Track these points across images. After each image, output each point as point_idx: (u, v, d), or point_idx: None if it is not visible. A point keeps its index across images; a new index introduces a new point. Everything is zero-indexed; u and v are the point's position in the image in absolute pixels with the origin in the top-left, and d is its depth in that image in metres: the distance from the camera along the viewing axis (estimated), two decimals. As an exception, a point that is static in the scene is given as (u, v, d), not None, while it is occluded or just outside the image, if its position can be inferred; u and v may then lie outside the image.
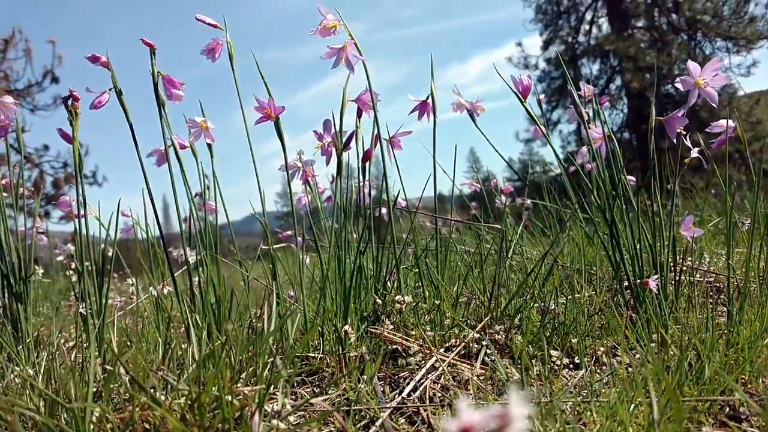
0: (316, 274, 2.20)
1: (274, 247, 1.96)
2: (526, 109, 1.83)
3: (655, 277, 1.70)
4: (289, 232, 3.50)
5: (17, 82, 13.98)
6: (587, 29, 21.01)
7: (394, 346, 1.65)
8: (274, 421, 1.00)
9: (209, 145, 2.11)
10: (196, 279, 1.86)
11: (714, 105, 1.71)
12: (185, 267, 2.01)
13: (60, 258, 3.78)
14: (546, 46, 21.05)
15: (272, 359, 1.11)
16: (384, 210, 2.23)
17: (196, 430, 0.98)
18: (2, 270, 2.18)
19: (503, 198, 3.20)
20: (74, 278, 3.33)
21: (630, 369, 1.41)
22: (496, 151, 2.44)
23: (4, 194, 2.30)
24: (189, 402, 1.05)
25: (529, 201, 4.73)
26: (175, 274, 1.95)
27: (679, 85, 1.73)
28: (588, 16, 21.01)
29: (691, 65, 1.72)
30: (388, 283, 1.92)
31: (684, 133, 1.78)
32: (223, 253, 2.15)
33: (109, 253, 1.98)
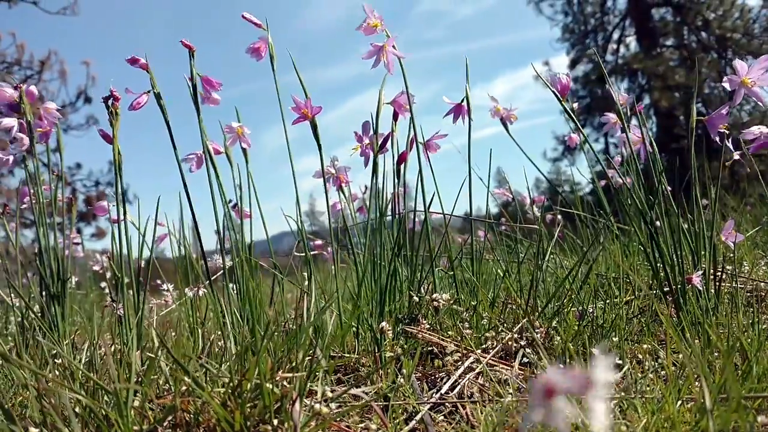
0: (350, 286, 2.20)
1: (310, 253, 1.97)
2: (565, 108, 1.81)
3: (700, 272, 1.66)
4: (320, 241, 3.51)
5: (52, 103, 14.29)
6: (615, 48, 20.93)
7: (431, 347, 1.63)
8: (317, 405, 0.99)
9: (244, 150, 2.13)
10: (232, 285, 1.87)
11: (761, 104, 1.68)
12: (220, 272, 2.02)
13: (95, 267, 3.82)
14: (573, 65, 20.99)
15: (312, 350, 1.10)
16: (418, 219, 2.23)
17: (238, 414, 0.98)
18: (41, 272, 2.22)
19: (535, 208, 3.17)
20: (107, 284, 3.38)
21: (675, 366, 1.38)
22: (527, 157, 2.42)
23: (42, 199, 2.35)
24: (230, 389, 1.05)
25: (560, 216, 4.69)
26: (212, 278, 1.96)
27: (726, 84, 1.71)
28: (615, 35, 20.95)
29: (738, 64, 1.70)
30: (423, 287, 1.91)
31: (726, 132, 1.75)
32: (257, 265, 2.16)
33: (146, 257, 2.00)
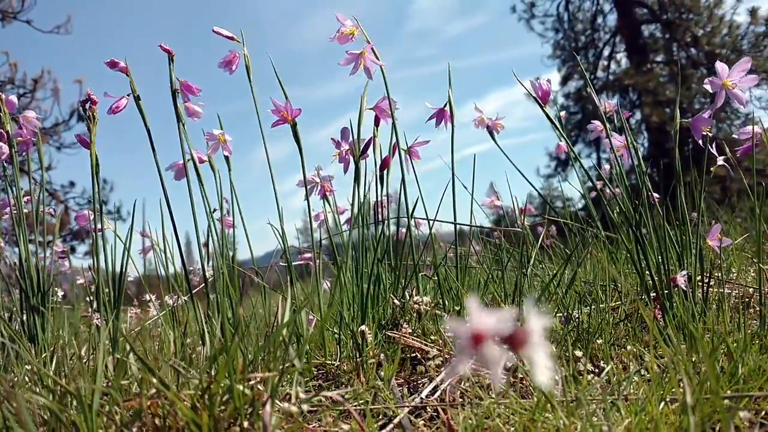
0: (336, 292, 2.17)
1: (294, 264, 1.94)
2: (546, 115, 1.80)
3: (684, 273, 1.64)
4: (308, 254, 3.47)
5: (45, 121, 14.25)
6: (605, 65, 21.05)
7: (414, 354, 1.61)
8: (285, 404, 0.96)
9: (227, 158, 2.11)
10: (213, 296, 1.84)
11: (742, 106, 1.67)
12: (201, 286, 1.99)
13: (80, 281, 3.78)
14: (564, 81, 21.10)
15: (285, 349, 1.08)
16: (402, 227, 2.20)
17: (205, 416, 0.95)
18: (21, 285, 2.18)
19: (524, 218, 3.15)
20: (88, 293, 3.33)
21: (660, 368, 1.35)
22: (517, 170, 2.41)
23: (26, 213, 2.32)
24: (200, 392, 1.02)
25: (552, 227, 4.67)
26: (194, 290, 1.93)
27: (708, 87, 1.70)
28: (606, 52, 21.09)
29: (719, 66, 1.69)
30: (407, 292, 1.89)
31: (710, 135, 1.74)
32: (244, 286, 2.14)
33: (127, 273, 1.97)
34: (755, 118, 2.02)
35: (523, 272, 1.91)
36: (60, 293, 3.40)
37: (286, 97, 1.76)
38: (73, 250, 14.57)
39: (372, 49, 1.77)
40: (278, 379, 1.01)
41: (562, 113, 3.15)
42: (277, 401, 1.09)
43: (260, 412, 1.02)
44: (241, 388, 1.01)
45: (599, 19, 21.07)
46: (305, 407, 0.99)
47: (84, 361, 1.51)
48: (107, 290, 1.89)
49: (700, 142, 1.75)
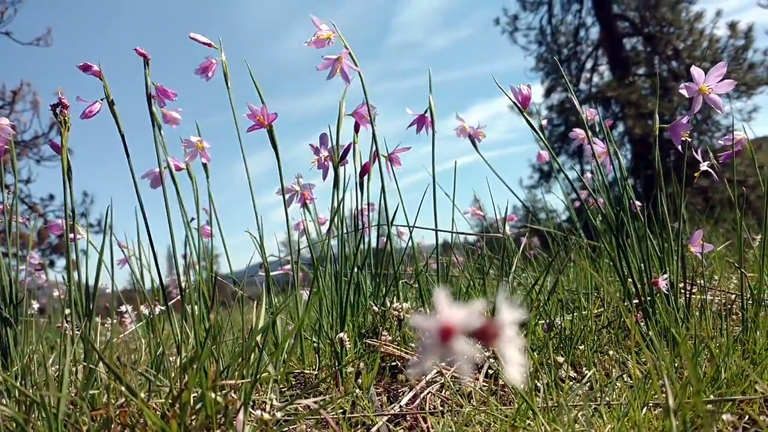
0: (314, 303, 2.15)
1: (273, 274, 1.91)
2: (526, 119, 1.79)
3: (665, 276, 1.63)
4: (289, 266, 3.43)
5: (24, 134, 14.10)
6: (588, 77, 21.23)
7: (393, 362, 1.58)
8: (259, 412, 0.93)
9: (205, 165, 2.08)
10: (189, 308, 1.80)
11: (719, 111, 1.67)
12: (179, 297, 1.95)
13: (57, 294, 3.71)
14: (548, 93, 21.24)
15: (260, 354, 1.05)
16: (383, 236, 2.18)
17: (175, 425, 0.91)
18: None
19: (507, 226, 3.15)
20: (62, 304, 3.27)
21: (642, 374, 1.34)
22: (501, 179, 2.40)
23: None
24: (170, 400, 0.99)
25: (535, 238, 4.67)
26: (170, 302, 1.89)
27: (683, 92, 1.70)
28: (588, 64, 21.27)
29: (695, 71, 1.69)
30: (387, 300, 1.86)
31: (689, 140, 1.74)
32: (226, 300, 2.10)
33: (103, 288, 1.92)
34: (736, 129, 2.03)
35: (504, 279, 1.89)
36: (36, 306, 3.34)
37: (263, 101, 1.73)
38: (52, 264, 14.38)
39: (349, 53, 1.75)
40: (252, 386, 0.98)
41: (544, 122, 3.16)
42: (251, 409, 1.06)
43: (233, 420, 0.99)
44: (213, 395, 0.98)
45: (582, 32, 21.29)
46: (280, 415, 0.96)
47: (54, 370, 1.47)
48: (80, 300, 1.85)
49: (680, 147, 1.75)
